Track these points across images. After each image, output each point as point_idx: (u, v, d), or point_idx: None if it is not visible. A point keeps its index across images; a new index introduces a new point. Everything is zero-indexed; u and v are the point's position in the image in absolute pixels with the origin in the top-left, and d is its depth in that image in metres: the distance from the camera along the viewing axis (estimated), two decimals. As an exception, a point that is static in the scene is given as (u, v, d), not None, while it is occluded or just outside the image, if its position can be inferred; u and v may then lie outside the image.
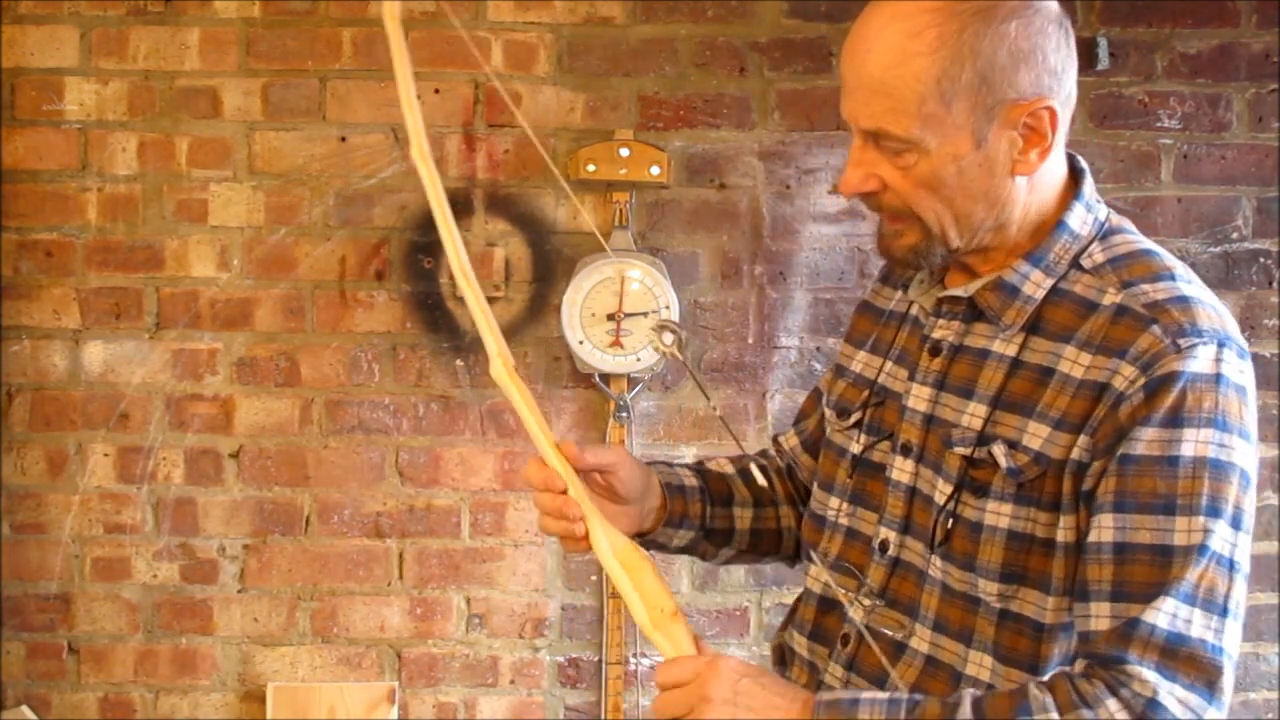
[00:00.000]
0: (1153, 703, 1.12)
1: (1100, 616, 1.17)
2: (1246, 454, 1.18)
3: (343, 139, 2.82)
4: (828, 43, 2.83)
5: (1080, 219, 1.30)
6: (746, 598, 2.87)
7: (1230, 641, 1.15)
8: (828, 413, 1.48)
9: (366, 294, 2.84)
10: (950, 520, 1.27)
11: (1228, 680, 1.14)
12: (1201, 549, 1.14)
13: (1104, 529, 1.17)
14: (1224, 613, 1.15)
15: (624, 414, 2.80)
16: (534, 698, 2.87)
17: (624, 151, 2.76)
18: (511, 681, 2.86)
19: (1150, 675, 1.12)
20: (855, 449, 1.40)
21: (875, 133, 1.22)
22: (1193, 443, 1.15)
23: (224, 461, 2.83)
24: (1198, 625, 1.13)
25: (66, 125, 2.80)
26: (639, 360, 2.77)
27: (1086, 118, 2.88)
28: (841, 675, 1.36)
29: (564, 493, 1.32)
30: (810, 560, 1.44)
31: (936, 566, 1.29)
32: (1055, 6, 1.24)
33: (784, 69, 2.83)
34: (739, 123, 2.82)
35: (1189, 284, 1.24)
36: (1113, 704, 1.13)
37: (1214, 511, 1.15)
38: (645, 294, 2.76)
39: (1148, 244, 1.30)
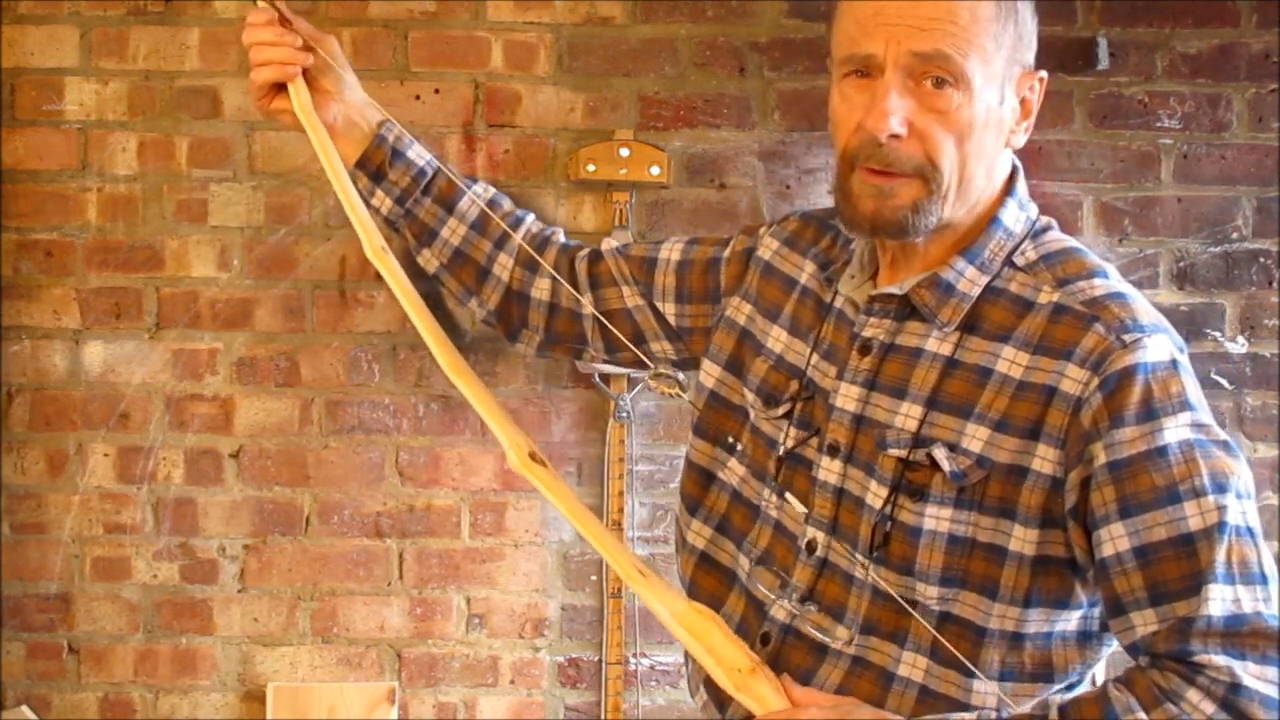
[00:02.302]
0: (1234, 686, 1.10)
1: (1146, 625, 1.15)
2: (1219, 429, 1.19)
3: (343, 139, 2.82)
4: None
5: (1014, 216, 1.28)
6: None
7: (1277, 606, 1.14)
8: (750, 396, 1.43)
9: (366, 294, 2.84)
10: (888, 524, 1.25)
11: None
12: (1221, 526, 1.13)
13: (1117, 539, 1.16)
14: (1264, 579, 1.13)
15: (624, 414, 2.80)
16: (534, 698, 2.87)
17: (624, 151, 2.76)
18: (511, 681, 2.87)
19: (1221, 660, 1.11)
20: (785, 443, 1.36)
21: (931, 56, 1.17)
22: (1174, 429, 1.15)
23: (224, 461, 2.83)
24: (1246, 601, 1.12)
25: (66, 125, 2.80)
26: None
27: (1086, 118, 2.88)
28: None
29: (284, 25, 1.43)
30: (739, 550, 1.42)
31: (867, 570, 1.27)
32: None
33: (784, 69, 2.83)
34: (739, 123, 2.82)
35: (1120, 281, 1.26)
36: (1194, 694, 1.11)
37: (1220, 488, 1.14)
38: (645, 294, 2.76)
39: (1075, 242, 1.31)
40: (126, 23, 2.80)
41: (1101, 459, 1.16)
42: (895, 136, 1.19)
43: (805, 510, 1.33)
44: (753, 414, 1.43)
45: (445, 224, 1.58)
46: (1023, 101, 1.25)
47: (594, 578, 2.86)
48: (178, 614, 2.83)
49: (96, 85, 2.80)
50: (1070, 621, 1.25)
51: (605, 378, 2.80)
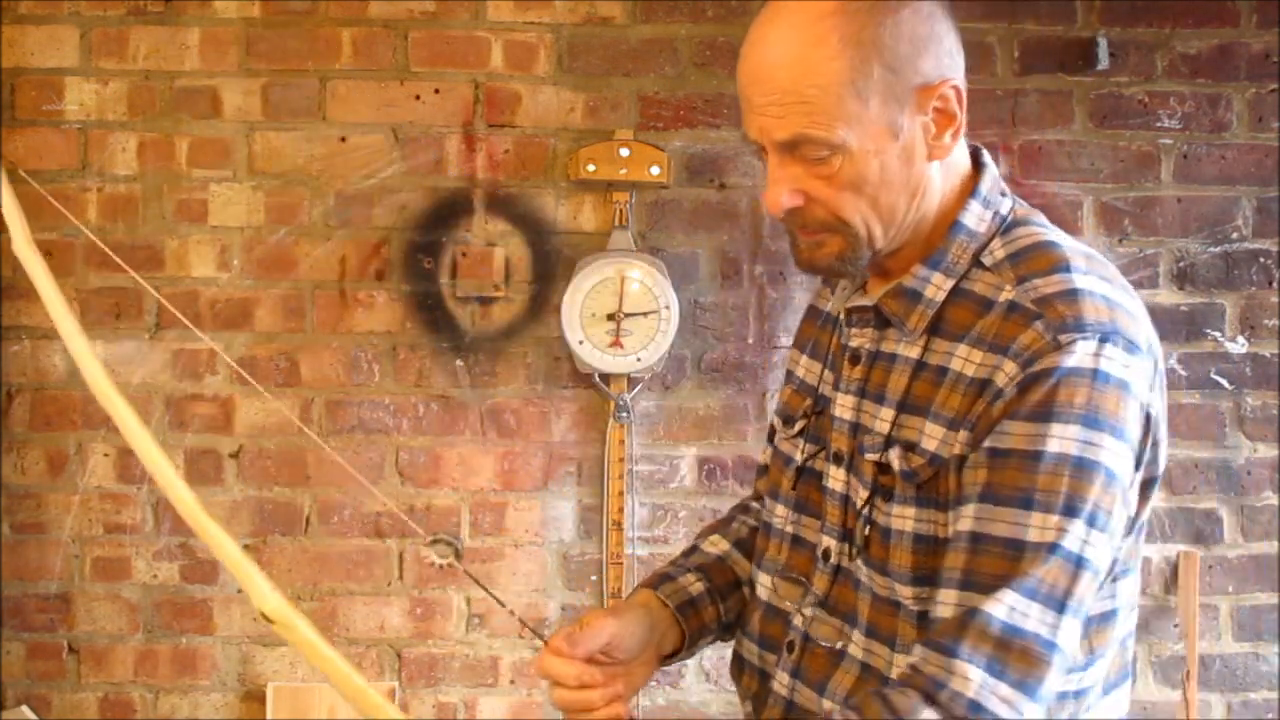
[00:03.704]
0: (974, 703, 1.11)
1: (947, 604, 1.16)
2: (1117, 453, 1.16)
3: (343, 139, 2.82)
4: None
5: (977, 216, 1.28)
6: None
7: (1065, 638, 1.14)
8: (775, 420, 1.48)
9: (366, 294, 2.84)
10: (868, 526, 1.27)
11: (1055, 675, 1.14)
12: (1053, 547, 1.13)
13: (965, 518, 1.17)
14: (1062, 609, 1.13)
15: (624, 414, 2.80)
16: (534, 698, 2.87)
17: (624, 151, 2.76)
18: (511, 681, 2.87)
19: (976, 674, 1.12)
20: (799, 458, 1.40)
21: (795, 141, 1.21)
22: (1059, 439, 1.14)
23: (224, 461, 2.83)
24: (1034, 619, 1.12)
25: (66, 125, 2.80)
26: (639, 360, 2.77)
27: (1086, 118, 2.88)
28: (788, 683, 1.36)
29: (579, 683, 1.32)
30: (759, 568, 1.44)
31: (863, 573, 1.29)
32: None
33: (784, 69, 2.82)
34: (739, 123, 2.80)
35: (1085, 275, 1.22)
36: (927, 714, 1.12)
37: (1070, 510, 1.13)
38: (645, 294, 2.76)
39: (1052, 235, 1.28)
40: (126, 23, 2.80)
41: (987, 443, 1.17)
42: (791, 209, 1.24)
43: (820, 520, 1.36)
44: (776, 438, 1.47)
45: (744, 597, 1.54)
46: (938, 112, 1.23)
47: (594, 578, 2.86)
48: (178, 614, 2.83)
49: (96, 85, 2.80)
50: None
51: (605, 378, 2.80)
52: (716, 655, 2.85)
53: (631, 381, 2.81)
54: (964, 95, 1.24)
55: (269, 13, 2.81)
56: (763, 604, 1.43)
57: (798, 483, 1.39)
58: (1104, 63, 2.85)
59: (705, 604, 1.49)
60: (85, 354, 1.33)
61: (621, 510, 2.81)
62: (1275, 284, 2.90)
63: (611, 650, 1.36)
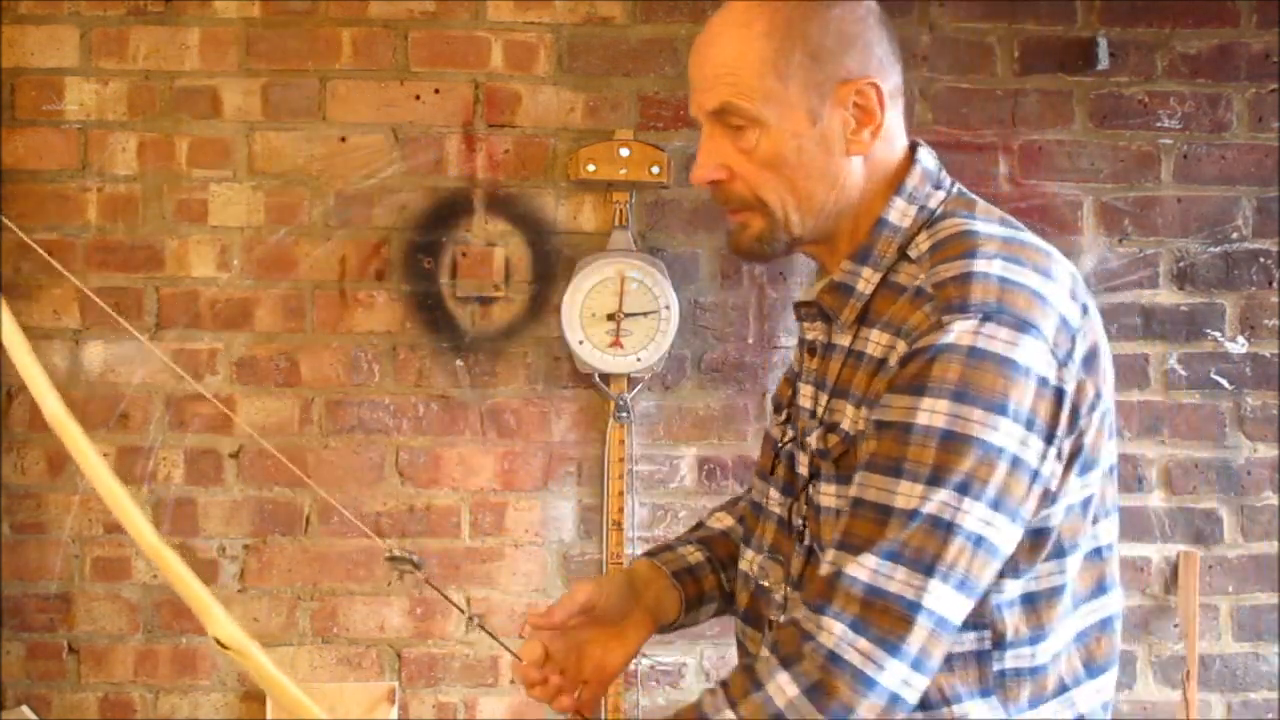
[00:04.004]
0: (832, 654, 1.16)
1: (825, 564, 1.22)
2: (1003, 429, 1.17)
3: (343, 139, 2.83)
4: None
5: (900, 212, 1.33)
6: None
7: (936, 602, 1.16)
8: (768, 407, 1.56)
9: (366, 294, 2.84)
10: (806, 506, 1.35)
11: (921, 637, 1.16)
12: (914, 514, 1.17)
13: (853, 486, 1.23)
14: (930, 572, 1.16)
15: (624, 414, 2.80)
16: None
17: (624, 151, 2.76)
18: (511, 681, 2.86)
19: (839, 628, 1.16)
20: (781, 442, 1.46)
21: (721, 109, 1.29)
22: (928, 412, 1.18)
23: (224, 461, 2.83)
24: (898, 582, 1.16)
25: (66, 125, 2.80)
26: (639, 360, 2.77)
27: (1086, 118, 2.88)
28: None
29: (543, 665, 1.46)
30: (748, 546, 1.49)
31: (817, 551, 1.35)
32: (878, 6, 1.34)
33: (784, 69, 2.83)
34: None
35: (989, 259, 1.24)
36: (783, 677, 1.17)
37: (935, 480, 1.17)
38: (645, 294, 2.76)
39: (975, 225, 1.30)
40: (126, 23, 2.80)
41: (873, 416, 1.23)
42: (714, 182, 1.33)
43: (796, 501, 1.41)
44: (769, 423, 1.54)
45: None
46: (858, 108, 1.30)
47: (594, 578, 2.86)
48: (178, 614, 2.83)
49: (96, 85, 2.80)
50: (1005, 590, 1.26)
51: (605, 378, 2.80)
52: (717, 655, 2.85)
53: (631, 381, 2.81)
54: (885, 97, 1.30)
55: (269, 13, 2.81)
56: (752, 583, 1.46)
57: (778, 466, 1.44)
58: (1104, 63, 2.85)
59: (705, 572, 1.55)
60: (101, 474, 1.35)
61: (621, 510, 2.81)
62: (1275, 284, 2.90)
63: (591, 610, 1.44)
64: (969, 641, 1.25)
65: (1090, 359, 1.25)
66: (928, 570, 1.16)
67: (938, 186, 1.35)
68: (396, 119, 2.83)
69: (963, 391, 1.17)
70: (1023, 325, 1.20)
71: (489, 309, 2.85)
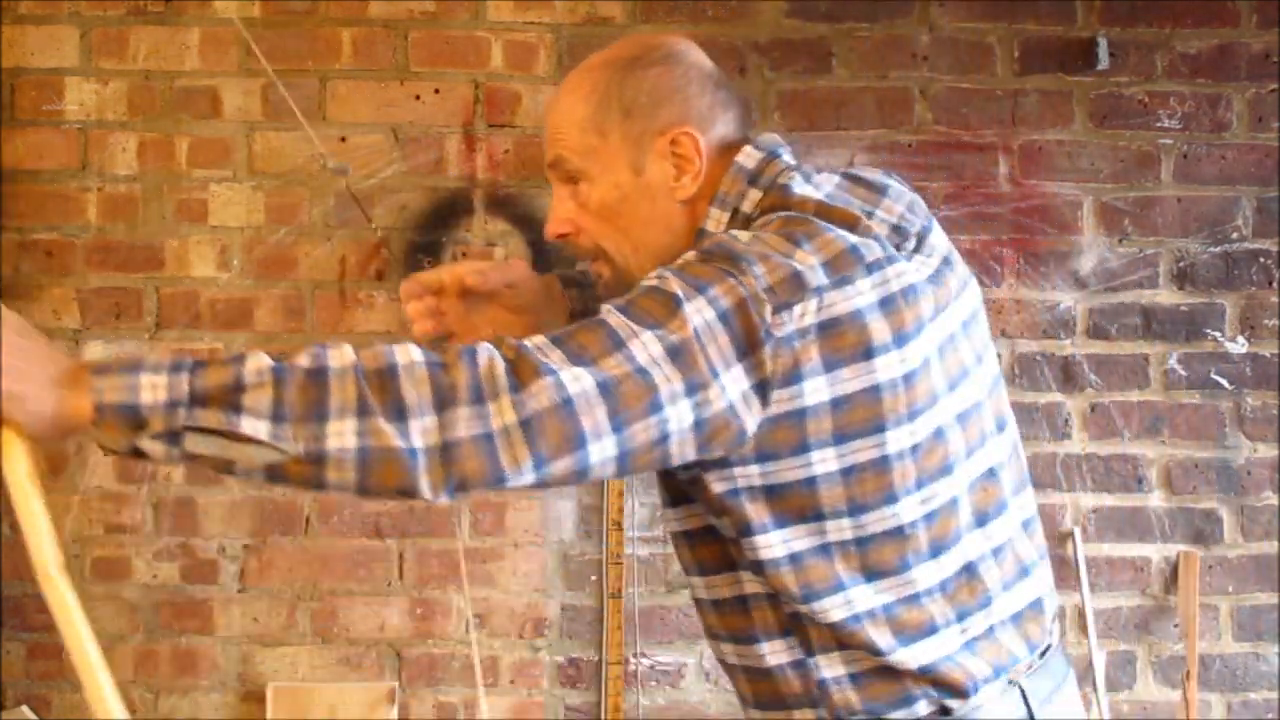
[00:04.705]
0: (523, 345, 1.22)
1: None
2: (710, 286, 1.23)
3: (343, 139, 2.83)
4: (828, 43, 2.83)
5: (716, 220, 1.40)
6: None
7: (565, 375, 1.20)
8: None
9: (366, 294, 2.84)
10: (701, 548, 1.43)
11: (538, 384, 1.19)
12: (600, 323, 1.24)
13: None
14: (561, 347, 1.22)
15: (624, 414, 2.80)
16: (534, 698, 2.87)
17: (624, 151, 2.76)
18: (511, 681, 2.86)
19: (541, 341, 1.25)
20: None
21: (554, 162, 1.45)
22: (670, 273, 1.26)
23: (224, 461, 2.83)
24: (543, 352, 1.22)
25: (66, 125, 2.80)
26: (639, 360, 2.77)
27: (1086, 118, 2.88)
28: (730, 650, 1.42)
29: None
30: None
31: None
32: (709, 66, 1.46)
33: (784, 69, 2.83)
34: (739, 123, 2.82)
35: (757, 238, 1.28)
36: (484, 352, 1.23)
37: (688, 290, 1.22)
38: (645, 294, 2.76)
39: (789, 216, 1.32)
40: (126, 23, 2.80)
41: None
42: (562, 235, 1.47)
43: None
44: None
45: None
46: (676, 157, 1.40)
47: (594, 578, 2.86)
48: (178, 614, 2.83)
49: (96, 85, 2.80)
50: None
51: (605, 378, 2.80)
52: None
53: (631, 381, 2.81)
54: (705, 145, 1.39)
55: (269, 13, 2.81)
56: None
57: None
58: (1104, 63, 2.85)
59: (593, 285, 1.64)
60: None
61: (621, 510, 2.81)
62: (1275, 284, 2.90)
63: (515, 288, 1.63)
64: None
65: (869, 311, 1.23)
66: (566, 351, 1.23)
67: (753, 182, 1.39)
68: (396, 119, 2.83)
69: (692, 259, 1.27)
70: (808, 281, 1.24)
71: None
